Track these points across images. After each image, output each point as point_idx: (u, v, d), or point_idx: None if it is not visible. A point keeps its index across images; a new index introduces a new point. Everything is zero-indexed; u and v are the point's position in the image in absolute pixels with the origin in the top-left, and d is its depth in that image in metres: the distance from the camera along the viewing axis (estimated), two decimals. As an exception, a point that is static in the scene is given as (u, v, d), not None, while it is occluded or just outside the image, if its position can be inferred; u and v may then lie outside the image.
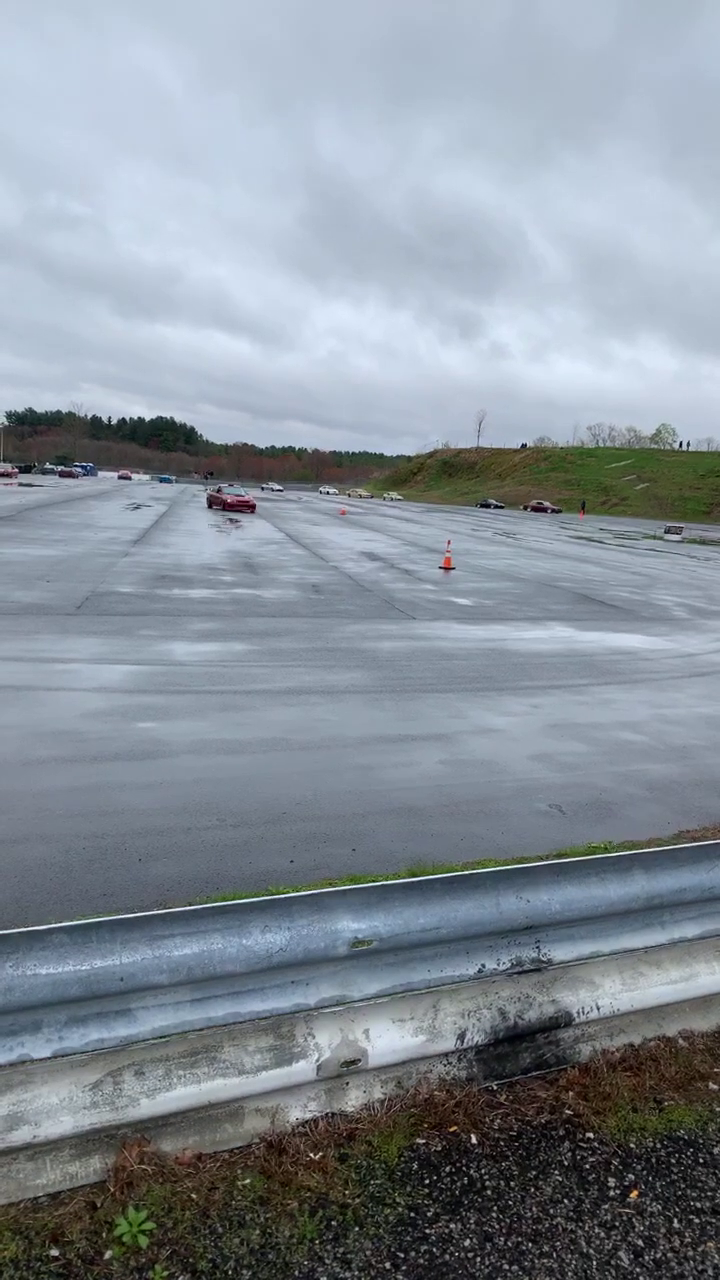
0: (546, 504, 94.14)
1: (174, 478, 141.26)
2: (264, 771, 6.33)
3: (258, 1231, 2.33)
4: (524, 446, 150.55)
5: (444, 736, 7.64)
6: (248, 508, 47.70)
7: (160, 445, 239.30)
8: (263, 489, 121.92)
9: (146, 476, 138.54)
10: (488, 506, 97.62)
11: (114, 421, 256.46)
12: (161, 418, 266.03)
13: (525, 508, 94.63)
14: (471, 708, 8.74)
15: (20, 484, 61.06)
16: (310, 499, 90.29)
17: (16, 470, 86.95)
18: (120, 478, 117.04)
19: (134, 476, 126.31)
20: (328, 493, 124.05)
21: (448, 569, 22.68)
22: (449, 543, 28.62)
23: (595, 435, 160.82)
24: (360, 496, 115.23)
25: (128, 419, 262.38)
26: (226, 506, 48.04)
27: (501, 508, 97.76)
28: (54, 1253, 2.20)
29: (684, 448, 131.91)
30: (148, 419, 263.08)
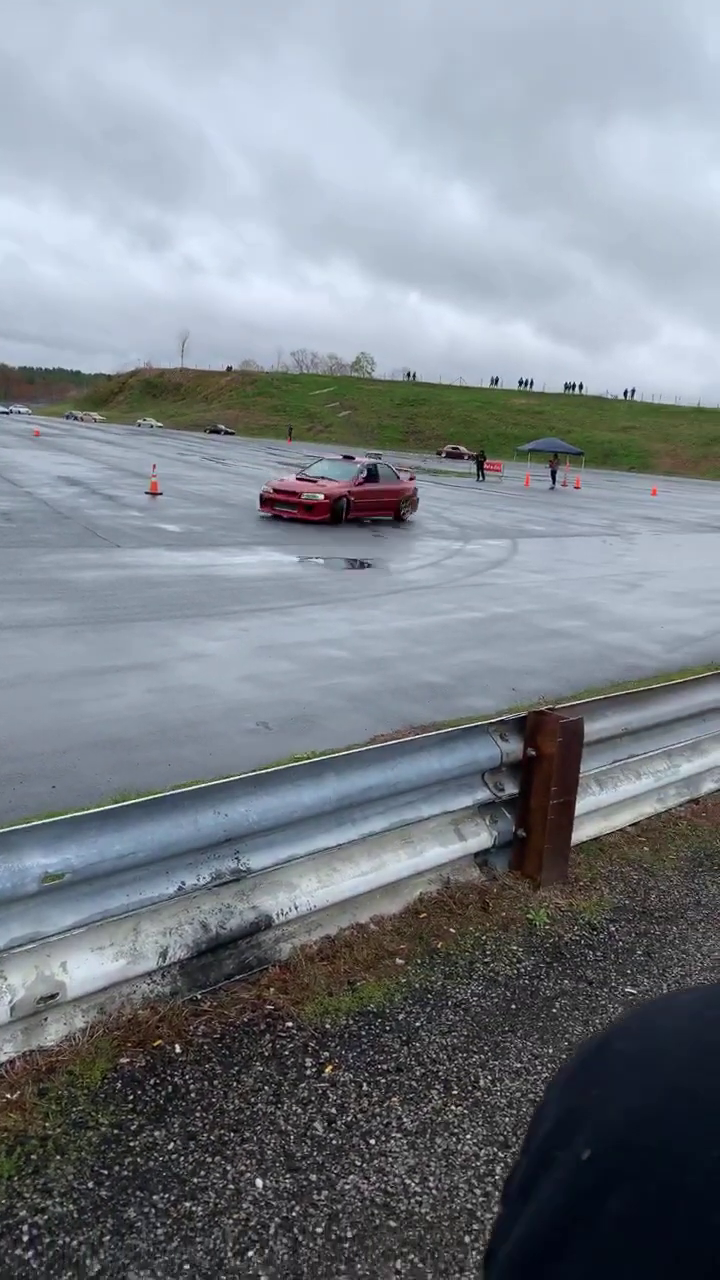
0: (463, 449, 74.38)
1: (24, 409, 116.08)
2: (-49, 714, 5.87)
3: (-51, 1183, 2.24)
4: (229, 370, 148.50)
5: (152, 665, 7.52)
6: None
7: None
8: None
9: None
10: (218, 432, 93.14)
11: None
12: None
13: (440, 454, 73.86)
14: (180, 635, 8.65)
15: None
16: None
17: None
18: None
19: None
20: (20, 412, 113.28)
21: (154, 494, 22.03)
22: (154, 467, 27.72)
23: (299, 361, 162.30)
24: (95, 421, 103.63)
25: None
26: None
27: (232, 433, 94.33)
28: None
29: (462, 383, 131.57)
30: None
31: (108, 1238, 2.15)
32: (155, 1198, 2.28)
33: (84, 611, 9.21)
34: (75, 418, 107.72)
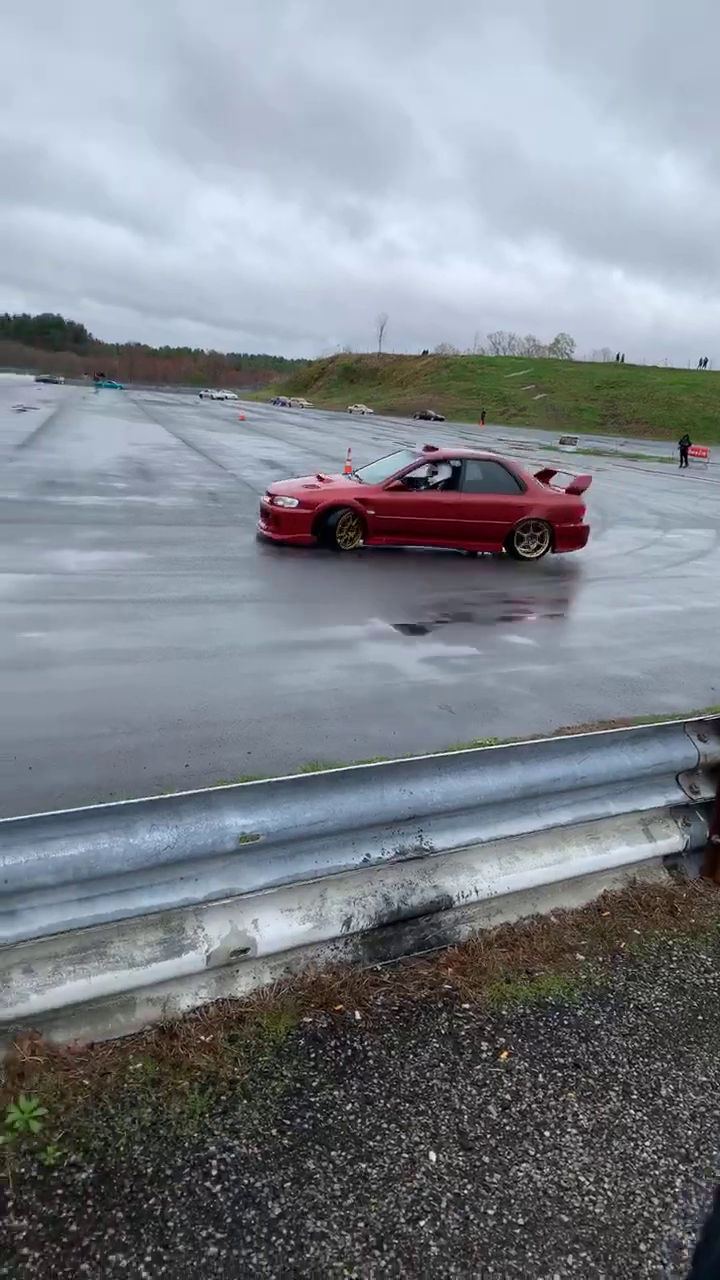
0: None
1: (122, 384, 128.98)
2: (158, 680, 6.29)
3: (149, 1110, 2.43)
4: (425, 354, 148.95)
5: (341, 643, 7.73)
6: None
7: (46, 344, 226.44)
8: (201, 396, 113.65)
9: (31, 378, 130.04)
10: (427, 418, 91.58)
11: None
12: (49, 315, 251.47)
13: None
14: (369, 614, 8.83)
15: None
16: (206, 404, 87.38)
17: None
18: None
19: (5, 376, 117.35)
20: (228, 398, 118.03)
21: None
22: (350, 451, 28.30)
23: (496, 344, 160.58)
24: (301, 406, 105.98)
25: (10, 315, 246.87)
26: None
27: (441, 419, 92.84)
28: (-55, 1143, 2.24)
29: (666, 364, 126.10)
30: (33, 316, 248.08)
31: (289, 1184, 2.26)
32: (333, 1154, 2.38)
33: (280, 589, 9.58)
34: (283, 403, 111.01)
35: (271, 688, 6.34)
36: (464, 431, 66.92)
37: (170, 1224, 2.12)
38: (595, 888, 3.84)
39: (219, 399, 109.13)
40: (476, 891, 3.40)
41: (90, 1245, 2.05)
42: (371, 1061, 2.74)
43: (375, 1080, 2.66)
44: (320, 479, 12.86)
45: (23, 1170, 2.21)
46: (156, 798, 2.77)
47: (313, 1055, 2.73)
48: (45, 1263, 1.99)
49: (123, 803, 2.72)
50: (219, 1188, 2.24)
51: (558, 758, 3.58)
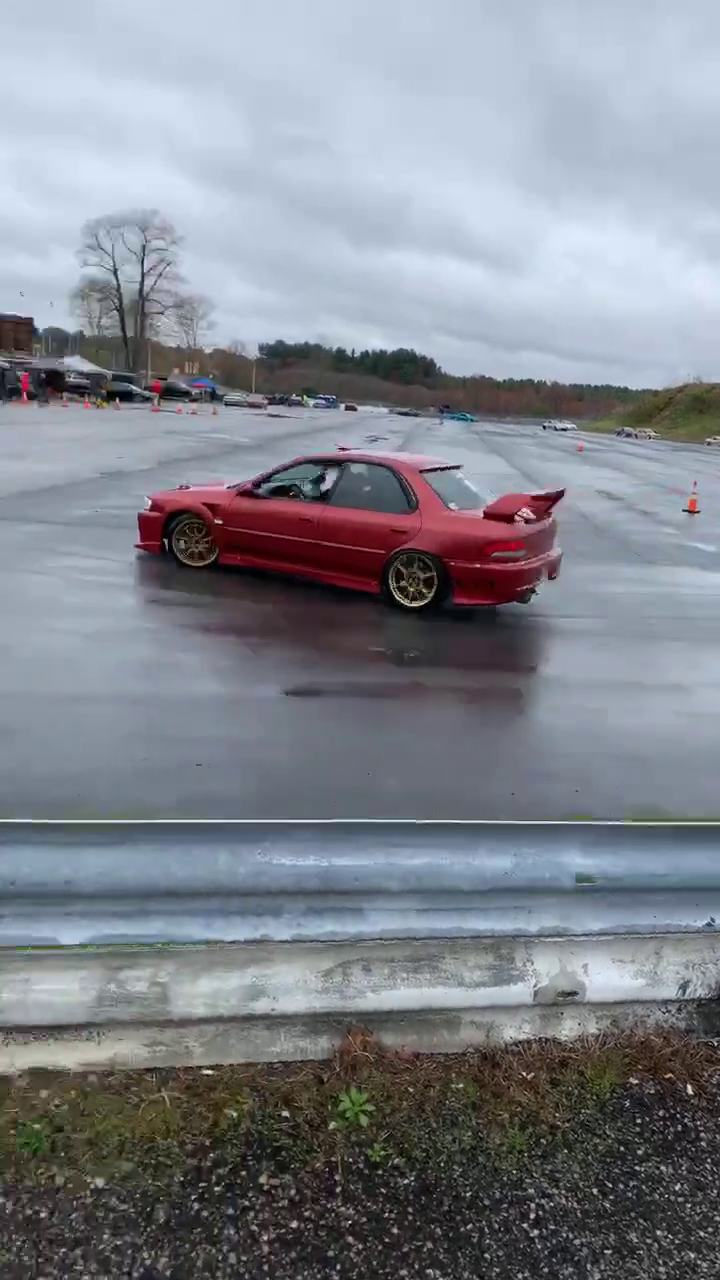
0: None
1: (473, 416, 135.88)
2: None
3: (469, 1133, 2.44)
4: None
5: (678, 687, 7.30)
6: None
7: (400, 378, 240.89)
8: (544, 427, 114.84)
9: (384, 409, 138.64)
10: None
11: (356, 354, 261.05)
12: (402, 350, 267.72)
13: None
14: (711, 660, 8.26)
15: (270, 414, 64.76)
16: (544, 435, 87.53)
17: (267, 401, 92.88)
18: (346, 409, 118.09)
19: (364, 409, 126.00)
20: (564, 429, 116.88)
21: (693, 512, 21.29)
22: (695, 484, 26.79)
23: None
24: (649, 437, 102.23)
25: (369, 351, 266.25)
26: None
27: None
28: (284, 1114, 2.42)
29: None
30: (389, 351, 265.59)
31: (609, 1252, 2.15)
32: (659, 1233, 2.22)
33: (613, 625, 9.28)
34: (626, 434, 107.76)
35: (601, 726, 6.15)
36: None
37: (487, 1256, 2.11)
38: None
39: (560, 430, 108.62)
40: None
41: (409, 1253, 2.09)
42: (704, 1144, 2.53)
43: (709, 1166, 2.45)
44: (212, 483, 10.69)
45: (350, 1160, 2.32)
46: (499, 822, 2.80)
47: (639, 1120, 2.58)
48: (368, 1256, 2.07)
49: (467, 822, 2.78)
50: (536, 1233, 2.18)
51: None
